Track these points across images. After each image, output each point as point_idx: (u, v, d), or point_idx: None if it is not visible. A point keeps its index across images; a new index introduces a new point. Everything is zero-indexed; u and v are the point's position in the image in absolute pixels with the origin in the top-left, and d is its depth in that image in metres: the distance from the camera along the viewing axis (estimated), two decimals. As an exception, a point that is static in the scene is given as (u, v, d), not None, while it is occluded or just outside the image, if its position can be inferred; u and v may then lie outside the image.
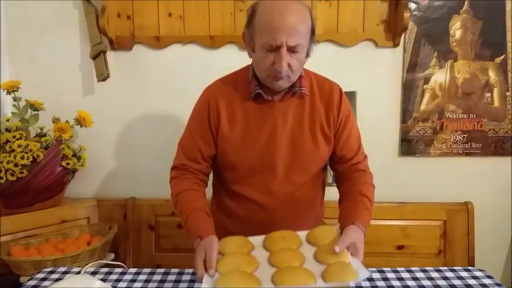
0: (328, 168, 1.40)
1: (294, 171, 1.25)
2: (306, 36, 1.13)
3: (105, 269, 1.29)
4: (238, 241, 1.11)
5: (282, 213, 1.27)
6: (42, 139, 1.92)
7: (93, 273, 1.24)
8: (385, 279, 1.20)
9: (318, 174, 1.33)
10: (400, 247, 2.09)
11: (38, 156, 1.84)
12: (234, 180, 1.29)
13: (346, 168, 1.31)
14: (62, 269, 1.30)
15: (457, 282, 1.18)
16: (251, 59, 1.25)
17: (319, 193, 1.38)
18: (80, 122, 1.99)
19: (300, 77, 1.23)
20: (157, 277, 1.22)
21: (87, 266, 1.30)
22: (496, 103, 2.09)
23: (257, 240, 1.12)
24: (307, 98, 1.25)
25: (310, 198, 1.34)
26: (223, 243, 1.09)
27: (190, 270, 1.25)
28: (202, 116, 1.26)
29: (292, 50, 1.11)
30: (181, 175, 1.28)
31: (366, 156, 1.34)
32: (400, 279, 1.20)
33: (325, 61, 1.90)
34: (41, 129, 1.96)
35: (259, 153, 1.23)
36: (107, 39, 2.06)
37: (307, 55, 1.20)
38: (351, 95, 2.04)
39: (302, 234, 1.14)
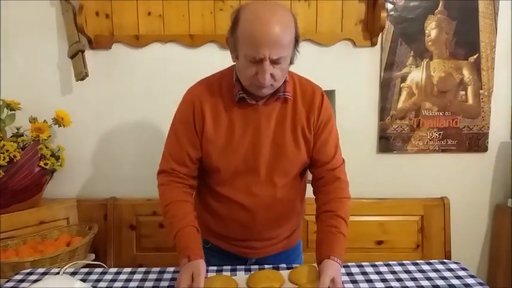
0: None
1: (276, 173, 1.26)
2: (290, 46, 1.12)
3: (85, 269, 1.28)
4: (223, 279, 1.14)
5: (264, 213, 1.28)
6: (19, 139, 1.89)
7: (73, 274, 1.23)
8: (364, 273, 1.22)
9: (299, 176, 1.34)
10: (379, 242, 2.13)
11: (15, 156, 1.81)
12: (217, 182, 1.28)
13: (321, 172, 1.30)
14: (41, 270, 1.28)
15: (433, 274, 1.22)
16: (235, 63, 1.23)
17: (300, 194, 1.39)
18: (58, 121, 1.97)
19: (285, 81, 1.22)
20: (138, 276, 1.22)
21: (67, 266, 1.29)
22: (470, 101, 2.14)
23: (241, 278, 1.16)
24: (290, 102, 1.25)
25: (292, 199, 1.34)
26: (208, 281, 1.11)
27: (172, 269, 1.25)
28: (188, 118, 1.24)
29: (275, 62, 1.10)
30: (170, 182, 1.25)
31: (343, 162, 1.33)
32: (379, 273, 1.23)
33: (304, 60, 1.83)
34: (18, 129, 1.93)
35: (243, 157, 1.23)
36: (85, 38, 2.03)
37: (291, 62, 1.19)
38: (330, 94, 2.06)
39: (284, 273, 1.18)
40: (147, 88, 2.13)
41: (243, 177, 1.25)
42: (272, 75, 1.12)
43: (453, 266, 1.27)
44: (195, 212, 1.23)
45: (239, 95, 1.21)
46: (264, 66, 1.09)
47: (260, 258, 1.36)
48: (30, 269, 1.29)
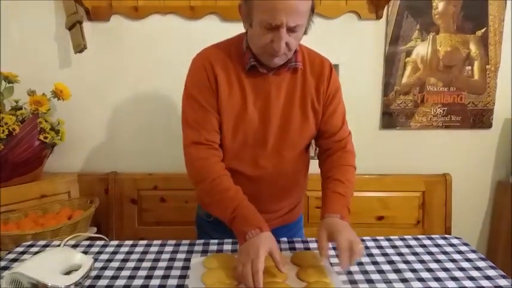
0: (312, 142, 1.40)
1: (283, 145, 1.24)
2: (306, 14, 1.09)
3: (87, 242, 1.27)
4: (225, 257, 1.13)
5: (269, 186, 1.27)
6: (18, 112, 1.86)
7: (74, 246, 1.22)
8: (365, 247, 1.22)
9: (305, 149, 1.33)
10: (380, 218, 2.13)
11: (14, 129, 1.79)
12: (224, 152, 1.25)
13: (328, 144, 1.30)
14: (42, 242, 1.27)
15: (434, 249, 1.21)
16: (246, 31, 1.19)
17: (304, 168, 1.38)
18: (57, 94, 1.93)
19: (295, 51, 1.20)
20: (139, 249, 1.21)
21: (68, 238, 1.28)
22: (476, 76, 2.11)
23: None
24: (300, 73, 1.23)
25: (297, 172, 1.33)
26: (208, 259, 1.10)
27: (173, 242, 1.25)
28: (204, 82, 1.18)
29: (291, 30, 1.07)
30: (210, 156, 1.18)
31: (349, 133, 1.33)
32: (380, 247, 1.22)
33: (308, 33, 1.87)
34: (16, 102, 1.90)
35: (253, 128, 1.21)
36: (83, 9, 1.98)
37: (305, 32, 1.16)
38: (334, 68, 2.01)
39: (287, 254, 1.16)
40: (146, 61, 2.09)
41: (250, 149, 1.23)
42: (287, 44, 1.09)
43: (454, 241, 1.27)
44: None
45: (250, 63, 1.17)
46: (281, 34, 1.06)
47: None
48: (31, 242, 1.28)
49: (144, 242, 1.26)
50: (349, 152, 1.30)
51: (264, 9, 1.05)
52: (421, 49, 2.08)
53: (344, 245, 1.01)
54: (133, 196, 2.14)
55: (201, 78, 1.19)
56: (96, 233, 1.94)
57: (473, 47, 2.08)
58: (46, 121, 1.93)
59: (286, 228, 1.40)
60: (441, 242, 1.26)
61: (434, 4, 2.04)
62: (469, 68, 2.10)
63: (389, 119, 2.15)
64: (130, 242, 1.26)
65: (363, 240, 1.26)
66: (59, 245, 1.22)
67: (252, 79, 1.20)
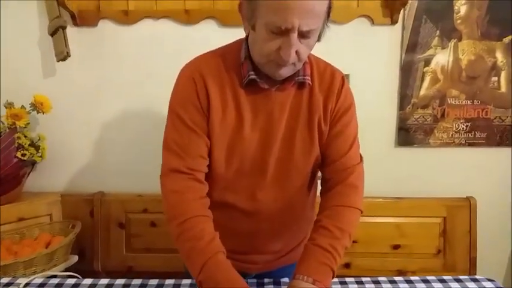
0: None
1: (285, 174, 1.06)
2: (322, 18, 0.91)
3: (55, 281, 1.11)
4: None
5: (268, 222, 1.09)
6: (-7, 127, 1.72)
7: (40, 286, 1.08)
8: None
9: (311, 178, 1.14)
10: (396, 246, 1.97)
11: (-14, 146, 1.63)
12: (215, 183, 1.07)
13: (330, 173, 1.09)
14: (5, 280, 1.12)
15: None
16: (246, 36, 1.02)
17: (311, 199, 1.20)
18: (37, 107, 1.79)
19: (304, 63, 1.02)
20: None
21: (32, 278, 1.13)
22: (503, 88, 1.96)
23: None
24: (306, 87, 1.05)
25: (301, 205, 1.16)
26: None
27: (155, 282, 1.12)
28: (190, 97, 1.01)
29: (304, 35, 0.89)
30: (187, 190, 1.00)
31: (359, 162, 1.10)
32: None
33: None
34: (-8, 115, 1.76)
35: (251, 155, 1.03)
36: (67, 13, 1.85)
37: (318, 39, 0.98)
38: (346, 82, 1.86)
39: None
40: (136, 70, 1.95)
41: (247, 179, 1.05)
42: (297, 52, 0.91)
43: (487, 284, 1.10)
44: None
45: (249, 76, 0.99)
46: (291, 40, 0.88)
47: (261, 273, 1.17)
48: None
49: (122, 281, 1.11)
50: (351, 187, 1.06)
51: (273, 9, 0.87)
52: (441, 58, 1.94)
53: None
54: (121, 219, 1.98)
55: (189, 94, 1.01)
56: (79, 260, 1.80)
57: (499, 56, 1.94)
58: (25, 136, 1.80)
59: (289, 269, 1.18)
60: (471, 285, 1.10)
61: (456, 8, 1.89)
62: (495, 78, 1.96)
63: (406, 135, 2.00)
64: (105, 281, 1.11)
65: (378, 282, 1.09)
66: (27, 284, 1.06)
67: (251, 96, 1.01)
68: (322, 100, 1.04)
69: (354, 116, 1.10)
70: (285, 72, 0.96)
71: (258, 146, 1.03)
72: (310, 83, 1.03)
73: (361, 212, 1.05)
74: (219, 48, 1.08)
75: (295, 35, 0.87)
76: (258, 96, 1.01)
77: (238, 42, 1.06)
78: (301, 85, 1.04)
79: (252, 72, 0.99)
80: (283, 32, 0.88)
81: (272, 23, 0.87)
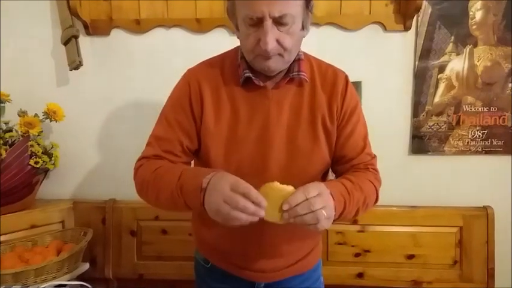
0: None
1: (289, 175, 1.04)
2: (296, 3, 0.93)
3: None
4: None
5: (273, 228, 1.05)
6: (7, 135, 1.74)
7: None
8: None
9: (320, 179, 1.12)
10: (411, 256, 1.89)
11: (0, 154, 1.64)
12: None
13: (347, 169, 1.11)
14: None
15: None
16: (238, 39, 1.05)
17: None
18: (50, 115, 1.80)
19: (299, 60, 1.04)
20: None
21: (42, 287, 1.12)
22: None
23: None
24: (307, 86, 1.06)
25: None
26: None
27: None
28: (182, 102, 1.07)
29: (279, 22, 0.92)
30: (154, 159, 1.07)
31: (374, 157, 1.14)
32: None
33: (326, 47, 1.71)
34: (6, 123, 1.77)
35: (249, 155, 1.03)
36: (80, 22, 1.85)
37: (304, 27, 0.99)
38: (356, 86, 1.82)
39: None
40: (148, 78, 1.94)
41: (247, 179, 1.01)
42: (279, 42, 0.93)
43: None
44: None
45: (244, 74, 1.01)
46: (265, 27, 0.91)
47: (270, 283, 1.15)
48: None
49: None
50: (372, 173, 1.10)
51: (244, 4, 0.92)
52: (456, 64, 1.88)
53: (297, 197, 0.87)
54: (132, 227, 1.96)
55: (181, 97, 1.07)
56: (90, 268, 1.79)
57: (516, 62, 1.87)
58: (38, 144, 1.81)
59: (300, 279, 1.17)
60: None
61: (471, 13, 1.84)
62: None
63: (420, 143, 1.94)
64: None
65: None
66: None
67: (248, 95, 1.03)
68: (325, 99, 1.05)
69: (361, 113, 1.13)
70: (274, 64, 0.97)
71: (256, 145, 1.03)
72: (308, 80, 1.05)
73: (377, 196, 1.08)
74: (219, 55, 1.14)
75: (268, 23, 0.90)
76: (254, 95, 1.03)
77: (235, 49, 1.12)
78: (300, 84, 1.05)
79: (247, 71, 1.01)
80: (258, 23, 0.92)
81: (246, 16, 0.92)
